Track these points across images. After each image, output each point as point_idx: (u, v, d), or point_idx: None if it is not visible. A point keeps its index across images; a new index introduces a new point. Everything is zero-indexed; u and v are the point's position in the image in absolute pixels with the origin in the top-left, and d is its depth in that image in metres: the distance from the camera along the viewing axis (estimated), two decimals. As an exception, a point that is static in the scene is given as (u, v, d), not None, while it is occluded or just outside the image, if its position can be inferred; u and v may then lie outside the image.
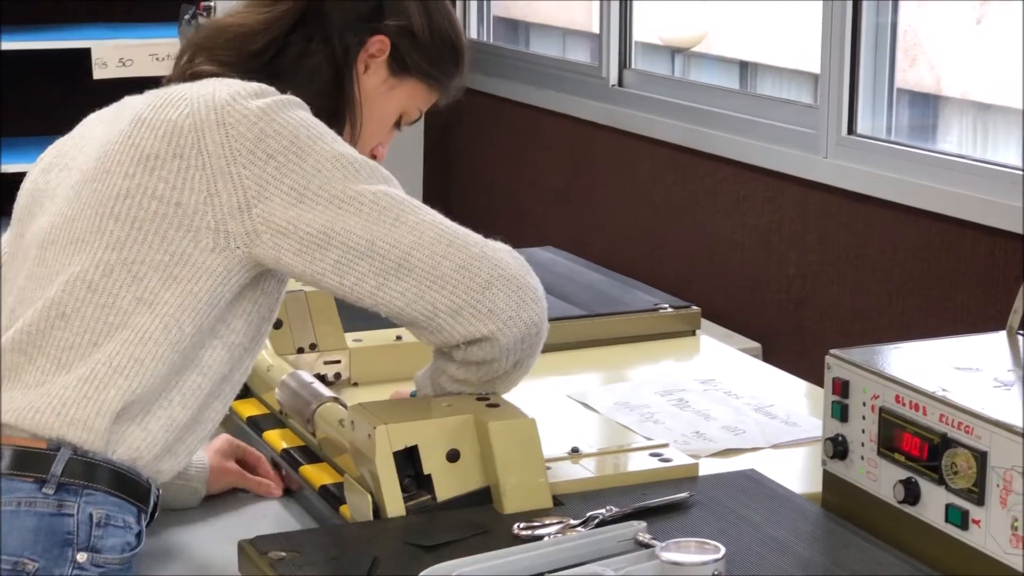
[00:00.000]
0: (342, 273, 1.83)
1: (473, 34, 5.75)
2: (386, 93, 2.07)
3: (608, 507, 1.84)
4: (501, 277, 1.85)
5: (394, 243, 1.83)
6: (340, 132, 1.96)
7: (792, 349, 3.92)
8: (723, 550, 1.63)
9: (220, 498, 2.15)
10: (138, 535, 1.83)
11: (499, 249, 1.89)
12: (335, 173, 1.83)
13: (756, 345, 3.93)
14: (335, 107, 2.02)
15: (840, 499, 1.92)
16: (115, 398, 1.78)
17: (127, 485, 1.81)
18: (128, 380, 1.79)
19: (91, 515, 1.77)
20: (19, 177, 2.08)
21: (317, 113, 1.90)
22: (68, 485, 1.77)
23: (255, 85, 1.89)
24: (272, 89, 1.89)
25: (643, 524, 1.76)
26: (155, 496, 1.87)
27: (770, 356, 3.83)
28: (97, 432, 1.77)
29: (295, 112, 1.86)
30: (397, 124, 2.14)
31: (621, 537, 1.73)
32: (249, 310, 1.89)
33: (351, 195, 1.83)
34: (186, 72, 1.99)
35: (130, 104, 1.95)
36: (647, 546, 1.71)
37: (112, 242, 1.82)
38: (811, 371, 2.36)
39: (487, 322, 1.85)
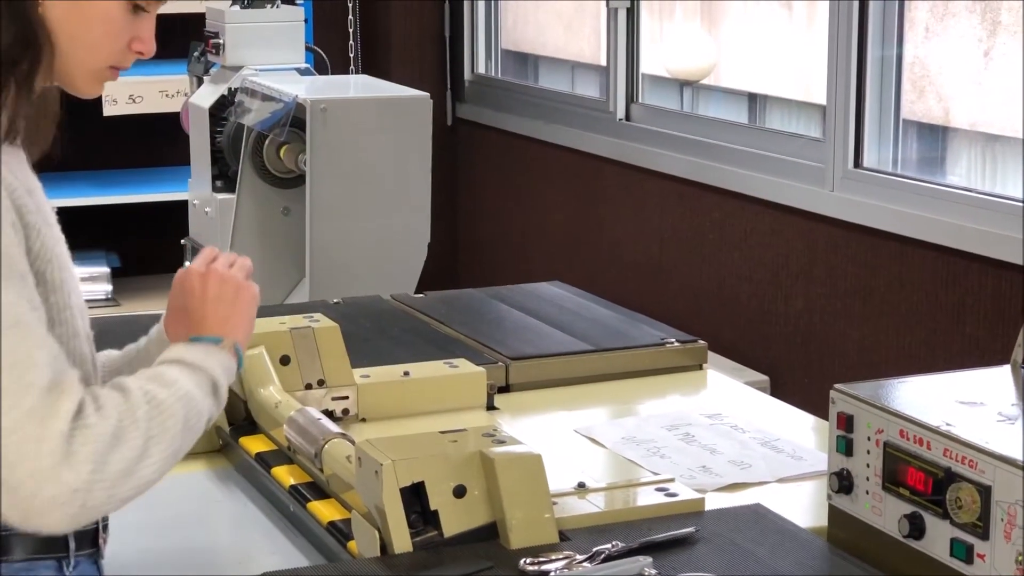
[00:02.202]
0: None
1: (481, 68, 5.78)
2: None
3: (614, 542, 1.85)
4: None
5: None
6: (49, 59, 1.72)
7: (800, 382, 3.92)
8: (728, 585, 1.64)
9: (226, 533, 2.15)
10: None
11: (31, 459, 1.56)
12: None
13: (764, 378, 3.94)
14: (29, 36, 1.70)
15: (846, 533, 1.92)
16: None
17: (30, 544, 1.70)
18: None
19: None
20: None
21: (13, 52, 1.68)
22: None
23: None
24: None
25: (649, 559, 1.77)
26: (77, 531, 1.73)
27: (778, 389, 3.84)
28: None
29: None
30: (139, 9, 1.78)
31: (627, 572, 1.74)
32: None
33: None
34: None
35: None
36: (653, 581, 1.72)
37: None
38: (819, 404, 2.36)
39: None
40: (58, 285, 1.70)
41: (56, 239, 1.73)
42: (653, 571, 1.74)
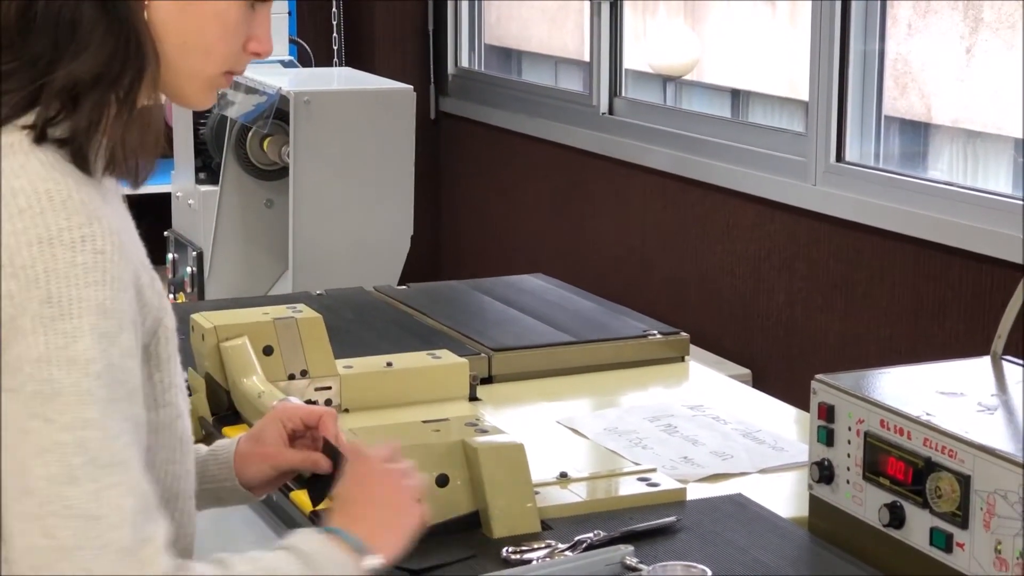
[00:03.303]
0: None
1: (465, 62, 5.78)
2: None
3: (596, 531, 1.86)
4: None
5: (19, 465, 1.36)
6: (154, 72, 1.52)
7: (782, 375, 3.94)
8: (710, 573, 1.65)
9: (207, 521, 2.15)
10: None
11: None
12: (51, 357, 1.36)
13: (746, 371, 3.95)
14: (133, 47, 1.50)
15: (826, 523, 1.93)
16: None
17: None
18: None
19: None
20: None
21: (114, 68, 1.48)
22: None
23: (33, 173, 1.42)
24: (43, 179, 1.42)
25: (631, 548, 1.77)
26: None
27: (760, 382, 3.85)
28: None
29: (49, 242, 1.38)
30: (255, 3, 1.58)
31: (609, 561, 1.75)
32: None
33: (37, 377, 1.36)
34: None
35: None
36: (634, 569, 1.73)
37: None
38: (800, 397, 2.37)
39: None
40: (164, 360, 1.53)
41: (160, 294, 1.54)
42: (634, 560, 1.75)
